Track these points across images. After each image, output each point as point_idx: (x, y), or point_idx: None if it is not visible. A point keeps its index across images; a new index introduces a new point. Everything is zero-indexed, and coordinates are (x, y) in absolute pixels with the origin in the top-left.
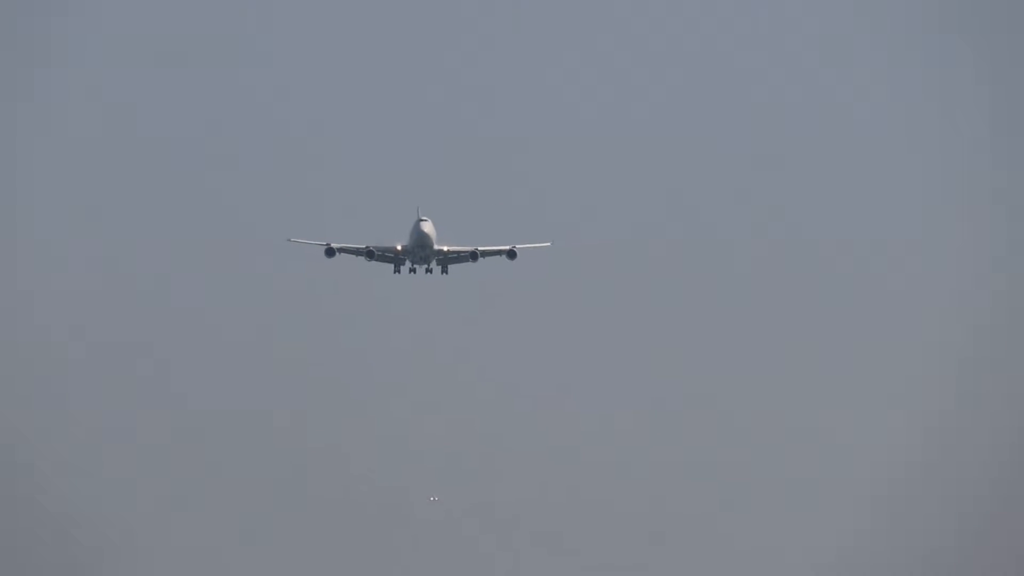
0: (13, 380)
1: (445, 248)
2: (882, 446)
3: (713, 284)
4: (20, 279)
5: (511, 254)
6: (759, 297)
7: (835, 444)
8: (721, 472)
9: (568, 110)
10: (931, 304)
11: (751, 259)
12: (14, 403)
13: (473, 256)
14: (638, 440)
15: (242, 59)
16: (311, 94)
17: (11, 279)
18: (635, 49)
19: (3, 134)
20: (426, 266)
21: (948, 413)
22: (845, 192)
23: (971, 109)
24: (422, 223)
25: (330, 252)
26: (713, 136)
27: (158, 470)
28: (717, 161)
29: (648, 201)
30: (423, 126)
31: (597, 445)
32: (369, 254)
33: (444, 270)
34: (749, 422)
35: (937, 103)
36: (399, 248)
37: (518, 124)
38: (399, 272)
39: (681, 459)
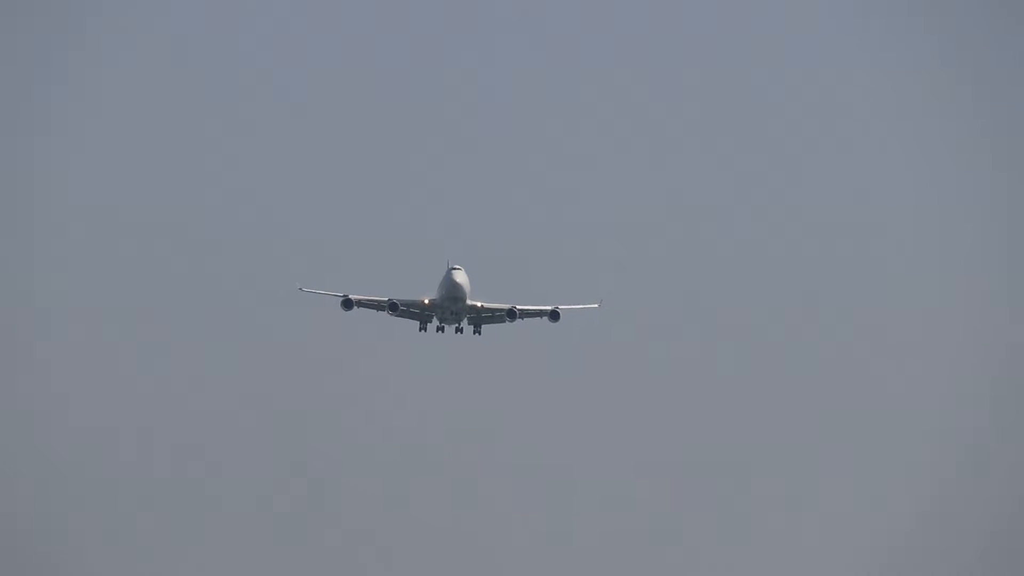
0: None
1: (479, 304)
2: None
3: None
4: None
5: (554, 315)
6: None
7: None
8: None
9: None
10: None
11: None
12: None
13: (511, 315)
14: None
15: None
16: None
17: None
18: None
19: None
20: (456, 324)
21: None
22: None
23: None
24: (454, 271)
25: (348, 304)
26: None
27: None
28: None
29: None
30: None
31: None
32: (392, 307)
33: (477, 330)
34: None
35: None
36: (426, 302)
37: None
38: (425, 330)
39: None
